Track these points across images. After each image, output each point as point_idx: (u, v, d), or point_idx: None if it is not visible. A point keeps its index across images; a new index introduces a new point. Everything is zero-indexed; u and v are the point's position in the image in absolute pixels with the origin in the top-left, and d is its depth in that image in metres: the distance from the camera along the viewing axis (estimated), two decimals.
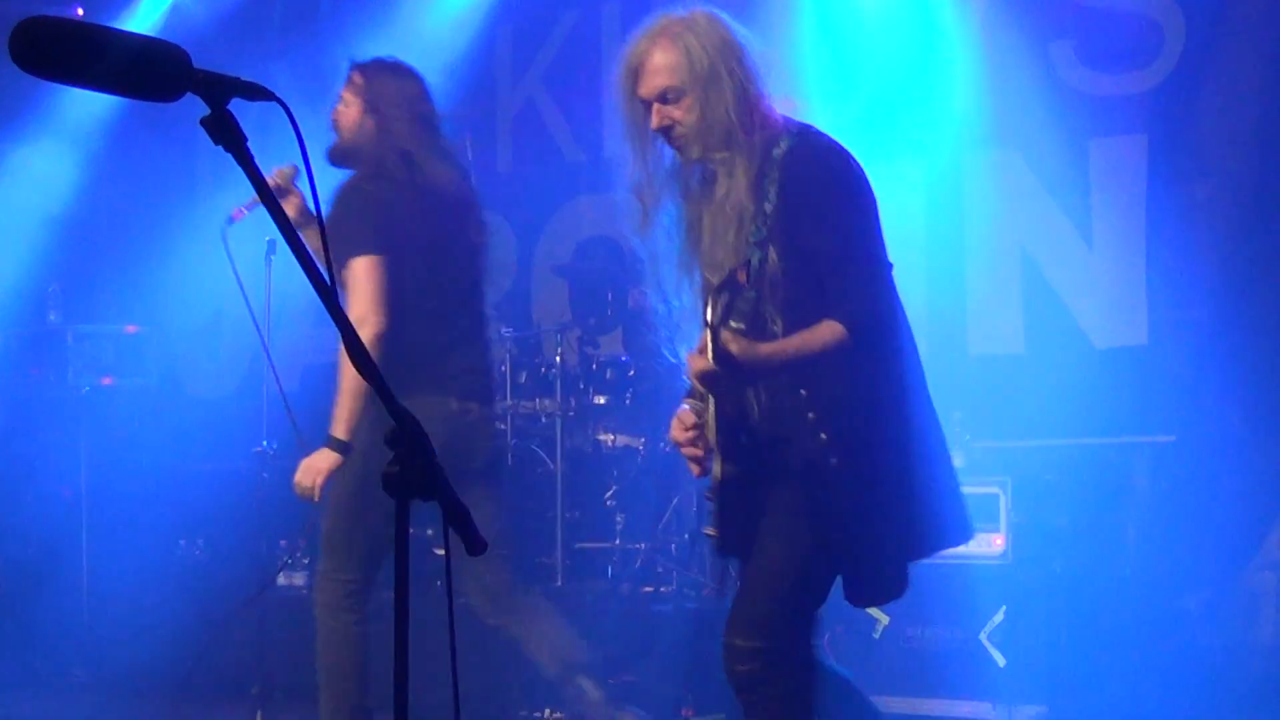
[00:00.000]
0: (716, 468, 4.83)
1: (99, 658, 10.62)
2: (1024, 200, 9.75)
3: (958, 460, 8.35)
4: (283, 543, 10.64)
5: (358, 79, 7.01)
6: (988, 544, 7.91)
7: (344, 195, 6.63)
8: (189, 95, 2.82)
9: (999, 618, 7.71)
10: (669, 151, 4.97)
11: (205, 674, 9.95)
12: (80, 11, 12.14)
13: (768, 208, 4.76)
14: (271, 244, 8.85)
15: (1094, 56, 9.65)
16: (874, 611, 7.81)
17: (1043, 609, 7.71)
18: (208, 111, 2.82)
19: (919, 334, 5.09)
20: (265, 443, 9.21)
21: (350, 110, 6.91)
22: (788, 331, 4.71)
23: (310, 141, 2.95)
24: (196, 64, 2.82)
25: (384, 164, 6.67)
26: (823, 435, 4.76)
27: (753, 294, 4.62)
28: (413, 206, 6.71)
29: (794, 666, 4.85)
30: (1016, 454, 8.75)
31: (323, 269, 2.85)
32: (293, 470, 10.04)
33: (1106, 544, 8.62)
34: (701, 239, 4.93)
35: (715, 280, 4.79)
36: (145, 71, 2.81)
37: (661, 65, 4.81)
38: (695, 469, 4.99)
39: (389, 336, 6.60)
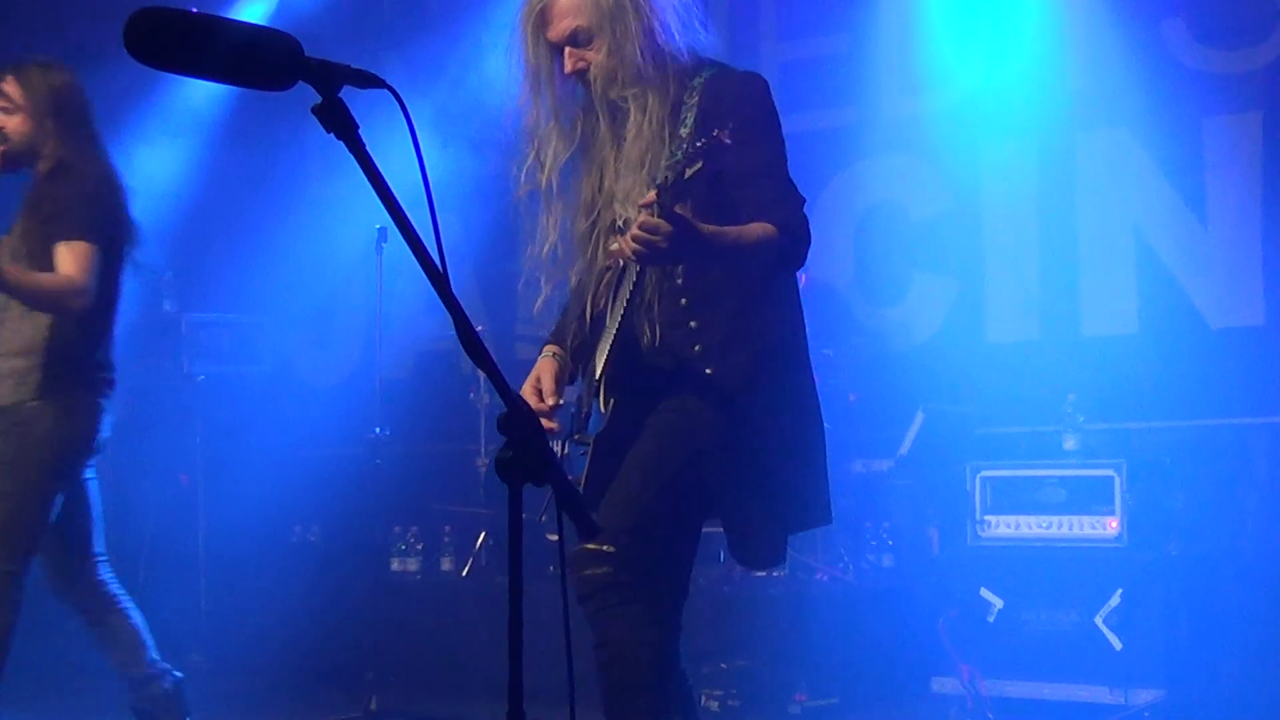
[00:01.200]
0: (601, 403, 4.75)
1: (215, 642, 10.70)
2: (1137, 179, 9.65)
3: (1070, 443, 8.35)
4: (395, 528, 10.70)
5: (9, 82, 6.80)
6: (1103, 527, 7.86)
7: (43, 189, 6.64)
8: (300, 84, 2.84)
9: (1115, 601, 7.65)
10: (567, 97, 4.89)
11: (320, 659, 10.03)
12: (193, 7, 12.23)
13: (683, 132, 4.63)
14: (382, 231, 8.88)
15: (1206, 33, 9.53)
16: (988, 595, 7.77)
17: (1159, 592, 7.64)
18: (319, 100, 2.83)
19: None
20: (378, 429, 9.25)
21: (12, 116, 6.79)
22: None
23: (422, 129, 2.95)
24: (308, 52, 2.84)
25: (62, 159, 6.68)
26: (708, 370, 4.66)
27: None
28: (112, 199, 6.83)
29: (644, 580, 4.57)
30: (1131, 436, 8.69)
31: (435, 256, 2.85)
32: (407, 460, 10.10)
33: (1224, 527, 8.54)
34: (603, 178, 4.83)
35: (626, 215, 4.68)
36: (257, 60, 2.83)
37: (569, 7, 4.73)
38: (550, 428, 4.80)
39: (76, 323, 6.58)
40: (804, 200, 4.69)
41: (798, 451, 4.74)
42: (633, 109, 4.69)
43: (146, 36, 2.76)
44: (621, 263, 4.68)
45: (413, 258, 2.86)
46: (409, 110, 2.92)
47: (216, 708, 9.28)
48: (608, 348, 4.74)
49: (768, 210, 4.57)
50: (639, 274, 4.64)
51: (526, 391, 4.87)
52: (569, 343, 5.03)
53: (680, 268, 4.62)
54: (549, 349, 5.06)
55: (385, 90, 2.89)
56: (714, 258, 4.53)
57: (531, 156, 5.02)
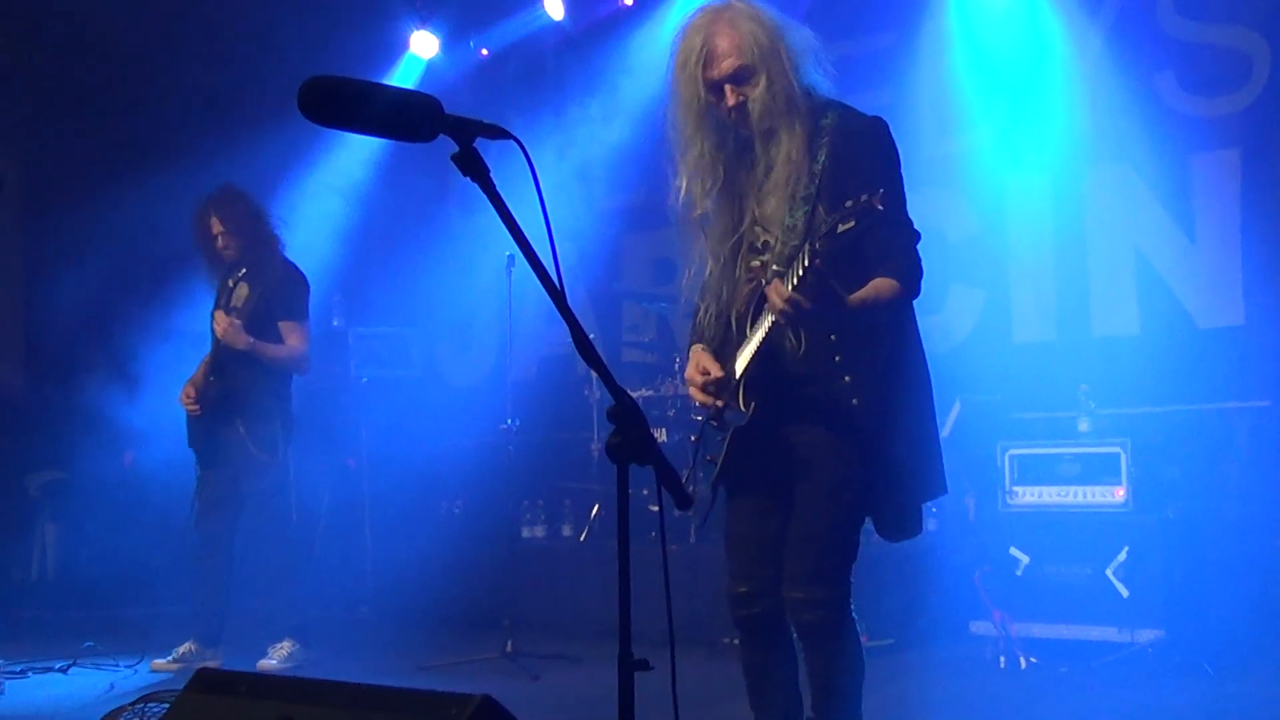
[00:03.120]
0: (740, 402, 4.53)
1: (379, 597, 10.76)
2: (1135, 205, 9.61)
3: (1083, 425, 8.29)
4: (525, 502, 10.71)
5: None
6: (1111, 495, 7.80)
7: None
8: (441, 136, 2.84)
9: (1122, 556, 7.59)
10: (716, 131, 4.63)
11: (465, 609, 10.07)
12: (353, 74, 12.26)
13: (816, 168, 4.47)
14: (511, 258, 8.88)
15: (1192, 83, 9.49)
16: (1016, 552, 7.72)
17: (1159, 549, 7.58)
18: (457, 149, 2.83)
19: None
20: (509, 420, 9.25)
21: None
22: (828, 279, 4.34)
23: (541, 173, 2.95)
24: (447, 110, 2.84)
25: None
26: (847, 378, 4.48)
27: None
28: None
29: (848, 609, 4.63)
30: (1134, 419, 8.61)
31: (555, 275, 2.85)
32: (533, 446, 10.07)
33: (1212, 494, 8.48)
34: (747, 202, 4.63)
35: (765, 238, 4.58)
36: (405, 117, 2.84)
37: (730, 48, 4.49)
38: (711, 403, 4.60)
39: None
40: (918, 237, 4.57)
41: (925, 446, 4.63)
42: (783, 137, 4.49)
43: (317, 99, 2.78)
44: (764, 282, 4.45)
45: (536, 279, 2.87)
46: (531, 157, 2.92)
47: (381, 650, 9.33)
48: (749, 355, 4.52)
49: (892, 258, 4.45)
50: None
51: (692, 374, 4.62)
52: (711, 344, 4.73)
53: (806, 332, 4.47)
54: (697, 346, 4.74)
55: (511, 140, 2.89)
56: (850, 317, 4.39)
57: (684, 188, 4.71)
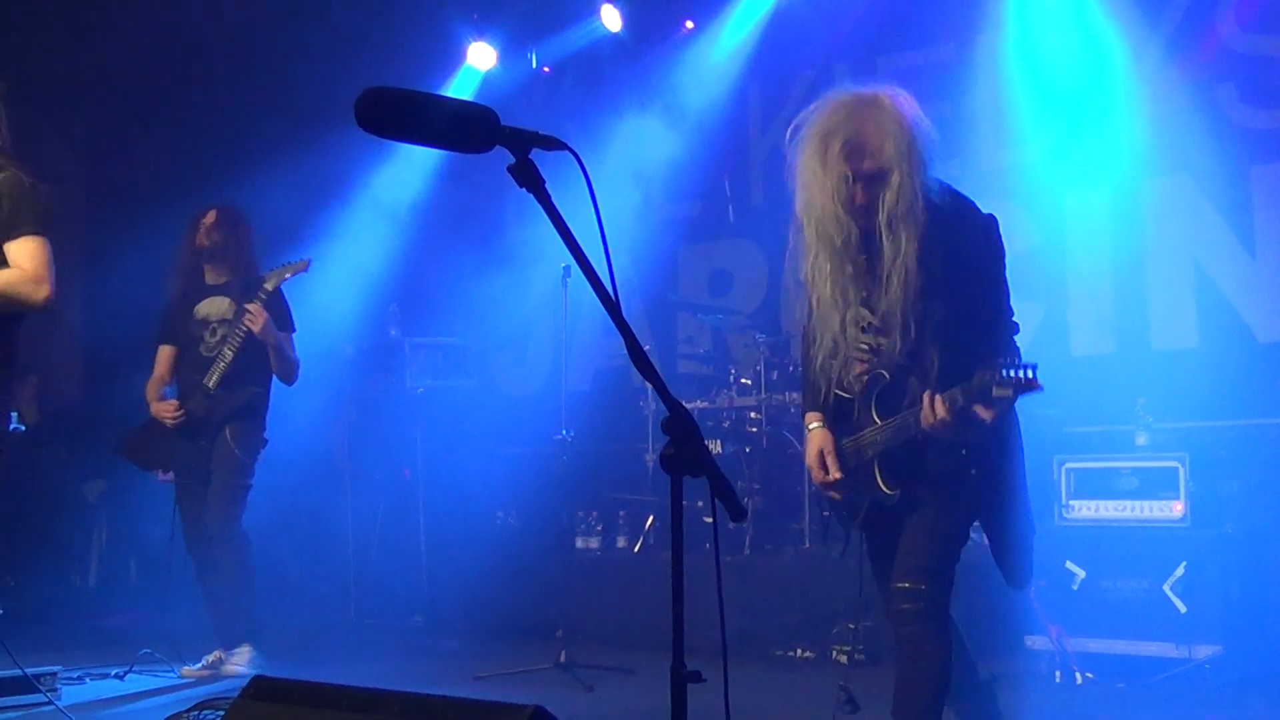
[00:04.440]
0: (881, 483, 4.88)
1: (433, 606, 10.78)
2: (1195, 218, 9.60)
3: (1141, 439, 8.26)
4: (579, 513, 10.72)
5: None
6: (1169, 510, 7.75)
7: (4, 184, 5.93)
8: (498, 147, 2.85)
9: (1180, 571, 7.53)
10: (849, 209, 4.76)
11: (519, 619, 10.08)
12: (411, 86, 12.30)
13: (931, 262, 4.66)
14: (566, 269, 8.89)
15: (1252, 95, 9.49)
16: (1072, 566, 7.67)
17: (1217, 564, 7.52)
18: (513, 160, 2.84)
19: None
20: (564, 431, 9.27)
21: None
22: (940, 369, 4.67)
23: (597, 184, 2.96)
24: (503, 121, 2.85)
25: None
26: (973, 472, 4.79)
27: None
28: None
29: (945, 606, 4.83)
30: (1193, 433, 8.56)
31: (610, 287, 2.86)
32: (588, 456, 10.09)
33: (1271, 509, 8.40)
34: (861, 282, 4.84)
35: (876, 321, 4.82)
36: (462, 128, 2.85)
37: (874, 147, 4.63)
38: (833, 496, 5.10)
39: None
40: (1017, 329, 4.89)
41: (1020, 492, 4.94)
42: (902, 232, 4.66)
43: (374, 111, 2.79)
44: (885, 375, 4.83)
45: (591, 290, 2.87)
46: (586, 168, 2.93)
47: (435, 659, 9.36)
48: (882, 441, 4.84)
49: (997, 355, 4.59)
50: (904, 389, 4.79)
51: (813, 462, 5.04)
52: (825, 410, 5.09)
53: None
54: (817, 419, 5.11)
55: (567, 151, 2.89)
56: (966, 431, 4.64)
57: (810, 257, 4.92)
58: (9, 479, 6.48)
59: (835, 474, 4.97)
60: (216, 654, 8.45)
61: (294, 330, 8.71)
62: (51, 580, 11.05)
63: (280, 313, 8.57)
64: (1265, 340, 9.34)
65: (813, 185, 4.74)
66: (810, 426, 5.10)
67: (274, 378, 8.62)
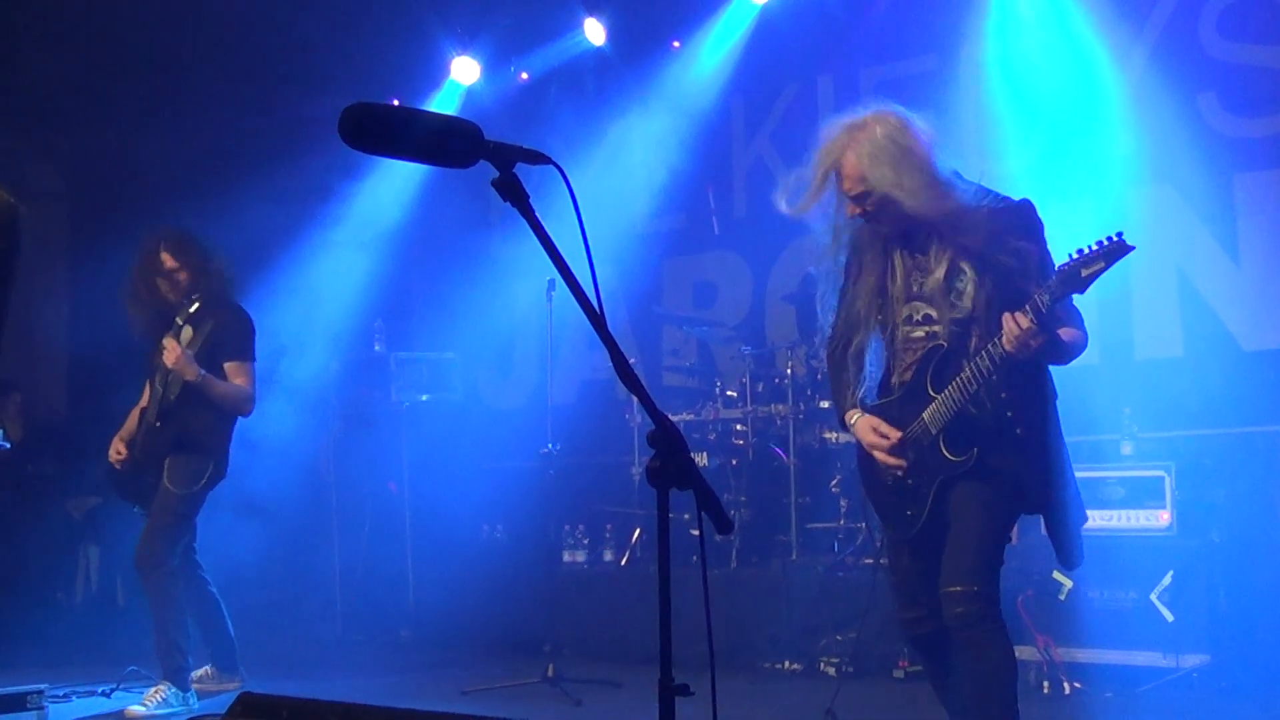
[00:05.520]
0: (945, 451, 4.96)
1: (420, 619, 10.79)
2: (1179, 227, 9.61)
3: (1127, 449, 8.27)
4: (566, 526, 10.73)
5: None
6: (1156, 519, 7.79)
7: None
8: (481, 161, 2.86)
9: (1167, 581, 7.56)
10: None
11: (506, 633, 10.08)
12: (395, 100, 12.31)
13: (975, 247, 4.86)
14: (551, 283, 8.89)
15: (1234, 104, 9.51)
16: (1059, 576, 7.68)
17: (1204, 573, 7.55)
18: (497, 175, 2.85)
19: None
20: (550, 445, 9.27)
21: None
22: (983, 345, 4.81)
23: (581, 198, 2.96)
24: (487, 136, 2.86)
25: None
26: (1019, 431, 4.90)
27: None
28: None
29: (997, 603, 4.88)
30: (1178, 443, 8.59)
31: (594, 300, 2.86)
32: (574, 470, 10.08)
33: (1258, 517, 8.42)
34: (891, 281, 5.03)
35: (927, 310, 4.97)
36: (446, 143, 2.85)
37: (854, 172, 4.86)
38: (898, 464, 5.08)
39: None
40: None
41: (1067, 472, 5.04)
42: (931, 231, 4.93)
43: (357, 126, 2.79)
44: (942, 344, 4.94)
45: (576, 303, 2.88)
46: (570, 182, 2.93)
47: (423, 673, 9.35)
48: (947, 413, 4.92)
49: (1072, 315, 4.95)
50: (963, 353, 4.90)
51: (874, 439, 5.10)
52: (859, 401, 5.22)
53: (999, 373, 4.79)
54: (858, 412, 5.20)
55: (551, 165, 2.90)
56: (1052, 349, 4.78)
57: (825, 249, 5.20)
58: None
59: (895, 434, 5.04)
60: (204, 670, 8.42)
61: (246, 359, 8.31)
62: (38, 598, 11.02)
63: (223, 338, 8.26)
64: (1250, 349, 9.33)
65: (830, 209, 5.04)
66: (852, 420, 5.20)
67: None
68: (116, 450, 8.31)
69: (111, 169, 11.80)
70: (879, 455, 5.11)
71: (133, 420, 8.42)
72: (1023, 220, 4.95)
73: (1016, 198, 5.05)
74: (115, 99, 11.36)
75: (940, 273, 4.88)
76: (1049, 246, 4.99)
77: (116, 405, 8.68)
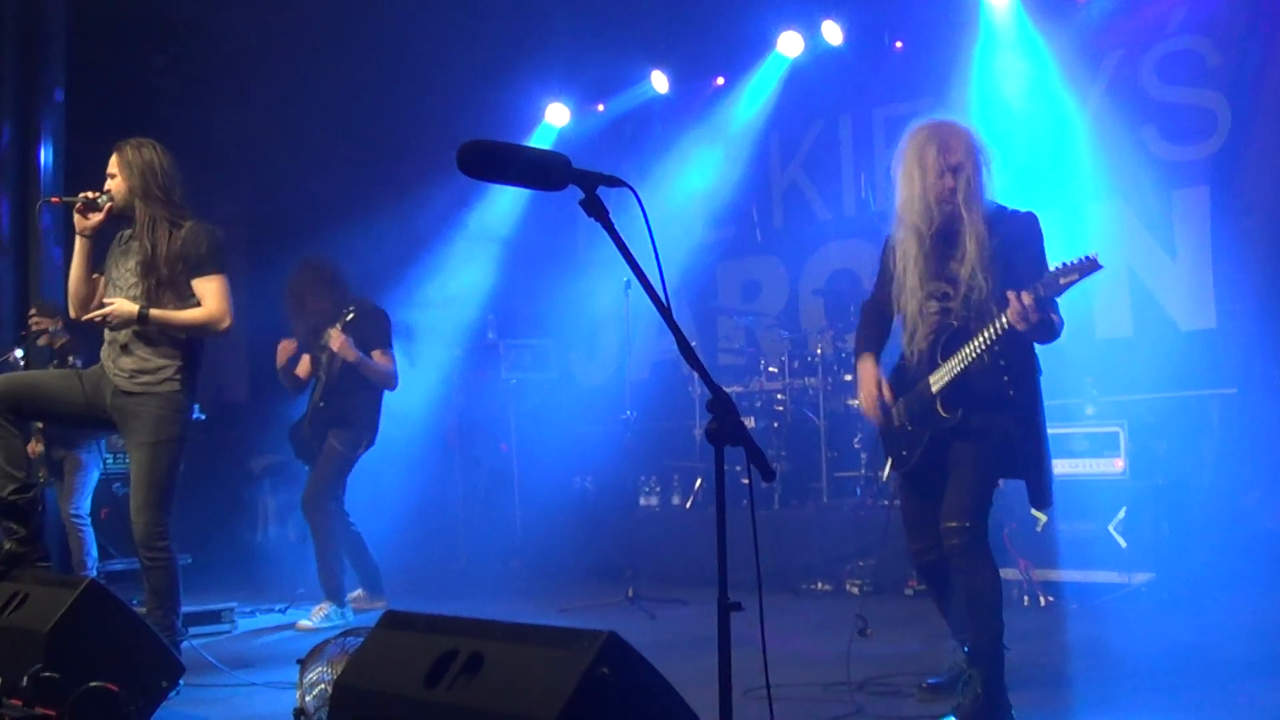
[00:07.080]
0: (941, 410, 4.92)
1: (526, 553, 10.79)
2: (1128, 232, 9.64)
3: (1090, 410, 8.21)
4: (641, 477, 10.71)
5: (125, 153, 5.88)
6: (1112, 465, 7.73)
7: (191, 233, 5.79)
8: (571, 185, 2.84)
9: (1121, 515, 7.49)
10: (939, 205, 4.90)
11: (595, 563, 10.09)
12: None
13: (994, 243, 4.82)
14: (628, 282, 8.87)
15: (1171, 134, 9.55)
16: (1036, 513, 7.61)
17: (1151, 508, 7.49)
18: (583, 196, 2.84)
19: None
20: (629, 412, 9.25)
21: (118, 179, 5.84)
22: (978, 329, 4.78)
23: (650, 214, 2.94)
24: (575, 165, 2.85)
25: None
26: (1011, 393, 4.86)
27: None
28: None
29: (985, 535, 4.84)
30: (1130, 404, 8.52)
31: (663, 296, 2.84)
32: (647, 432, 10.02)
33: (1192, 463, 8.38)
34: (930, 263, 4.93)
35: (947, 289, 4.89)
36: (542, 171, 2.85)
37: (958, 146, 4.86)
38: (874, 413, 5.12)
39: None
40: None
41: (1045, 433, 4.97)
42: (972, 221, 4.83)
43: (472, 158, 2.79)
44: (954, 323, 4.88)
45: (648, 298, 2.86)
46: (642, 201, 2.91)
47: (529, 595, 9.36)
48: (948, 375, 4.87)
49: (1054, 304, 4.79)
50: (968, 333, 4.83)
51: (870, 389, 5.10)
52: (878, 351, 5.24)
53: (1000, 345, 4.76)
54: (869, 357, 5.20)
55: (626, 188, 2.88)
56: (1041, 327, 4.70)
57: (897, 235, 5.06)
58: (193, 457, 6.46)
59: (877, 391, 5.08)
60: (358, 593, 8.46)
61: (387, 347, 8.35)
62: (229, 535, 11.10)
63: (368, 332, 8.28)
64: (1186, 329, 9.37)
65: (915, 182, 4.88)
66: (863, 365, 5.17)
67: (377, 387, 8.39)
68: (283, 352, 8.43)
69: (281, 200, 11.86)
70: (864, 401, 5.14)
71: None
72: (1031, 228, 4.91)
73: (1022, 211, 5.01)
74: (284, 147, 11.42)
75: (963, 261, 4.82)
76: (1045, 249, 4.95)
77: (284, 391, 8.75)
